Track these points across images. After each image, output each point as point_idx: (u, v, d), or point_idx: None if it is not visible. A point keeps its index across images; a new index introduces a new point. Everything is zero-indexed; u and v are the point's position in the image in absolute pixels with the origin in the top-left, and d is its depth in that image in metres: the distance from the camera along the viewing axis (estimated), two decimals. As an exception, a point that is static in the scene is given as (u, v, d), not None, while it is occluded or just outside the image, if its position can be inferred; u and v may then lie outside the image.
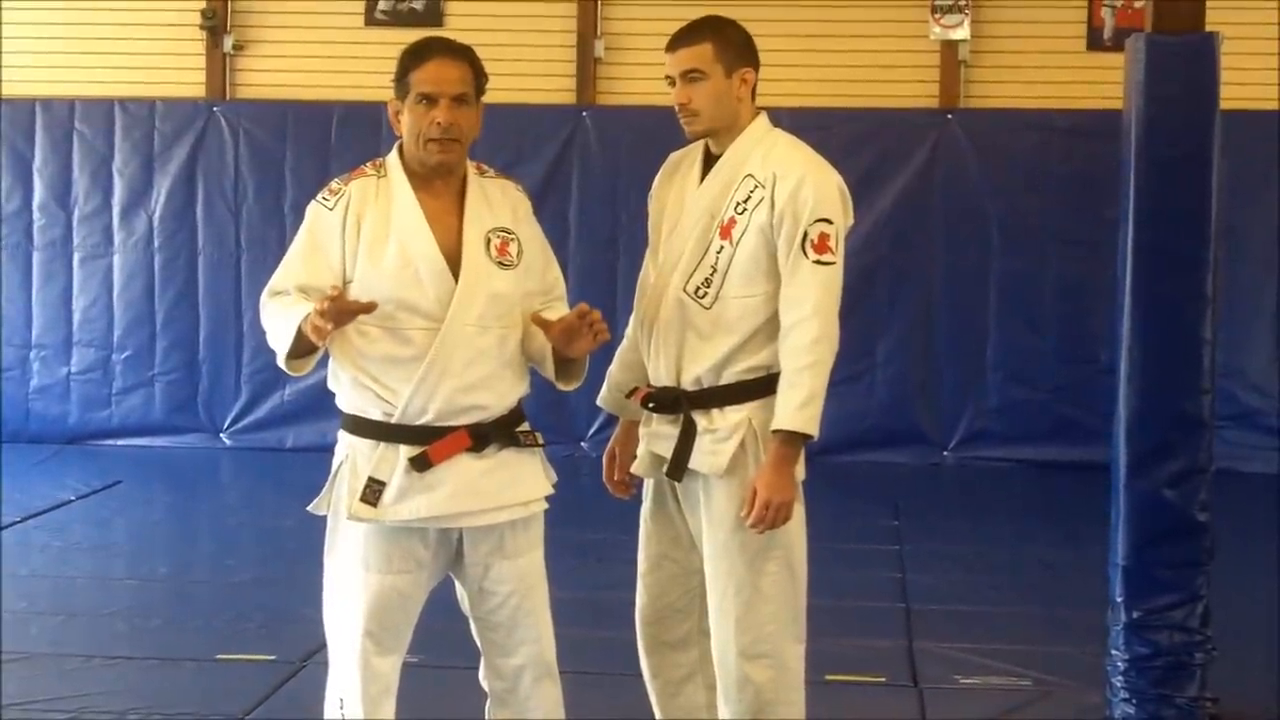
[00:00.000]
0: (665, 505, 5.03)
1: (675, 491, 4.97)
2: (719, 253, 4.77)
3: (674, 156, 5.07)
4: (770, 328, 4.76)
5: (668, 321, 4.84)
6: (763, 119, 4.91)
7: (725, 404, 4.80)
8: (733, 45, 4.84)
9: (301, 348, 4.43)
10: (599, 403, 5.22)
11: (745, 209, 4.76)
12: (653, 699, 5.18)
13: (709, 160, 4.90)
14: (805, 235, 4.70)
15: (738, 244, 4.76)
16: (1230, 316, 10.04)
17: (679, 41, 4.82)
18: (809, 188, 4.73)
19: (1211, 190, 5.77)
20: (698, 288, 4.79)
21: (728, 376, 4.80)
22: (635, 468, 5.03)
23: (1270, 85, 11.42)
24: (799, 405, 4.66)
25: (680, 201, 4.91)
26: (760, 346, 4.78)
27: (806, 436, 4.71)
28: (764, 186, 4.75)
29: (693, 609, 5.05)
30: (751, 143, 4.84)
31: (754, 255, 4.75)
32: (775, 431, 4.70)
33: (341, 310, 4.29)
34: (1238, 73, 10.35)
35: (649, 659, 5.13)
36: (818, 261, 4.71)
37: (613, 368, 5.14)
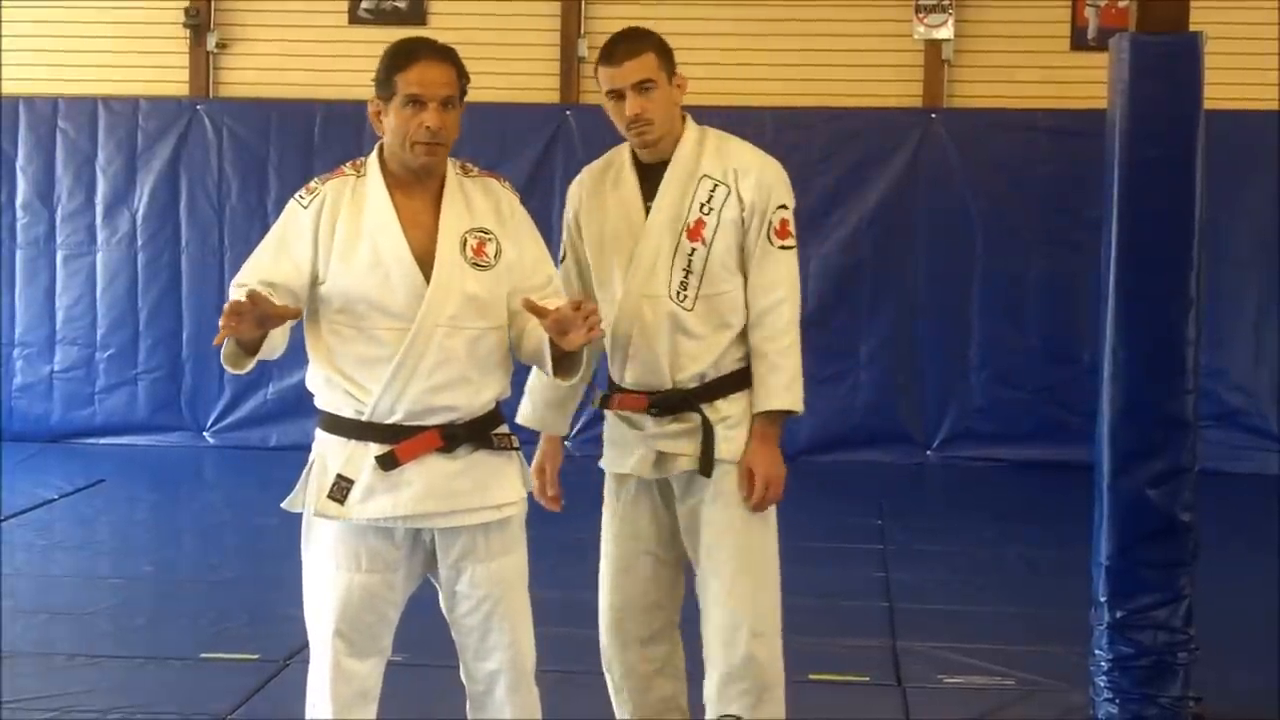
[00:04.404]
0: (645, 503, 5.11)
1: (658, 487, 5.06)
2: (691, 255, 4.90)
3: (594, 169, 5.15)
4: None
5: (652, 329, 4.92)
6: (691, 119, 5.03)
7: (729, 393, 4.95)
8: (667, 51, 4.94)
9: (243, 346, 4.32)
10: (519, 420, 5.19)
11: (711, 208, 4.90)
12: (622, 699, 5.25)
13: (640, 169, 4.99)
14: (769, 223, 4.91)
15: (711, 243, 4.90)
16: (1213, 316, 10.07)
17: (625, 54, 4.85)
18: (768, 178, 4.97)
19: (1195, 190, 5.78)
20: (677, 292, 4.89)
21: (725, 366, 4.95)
22: (635, 469, 5.04)
23: (1265, 85, 11.45)
24: (787, 384, 4.90)
25: (623, 212, 4.99)
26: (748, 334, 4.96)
27: (790, 414, 4.92)
28: (725, 184, 4.92)
29: (667, 603, 5.18)
30: (694, 145, 4.97)
31: (729, 250, 4.92)
32: (764, 412, 4.90)
33: (265, 315, 4.20)
34: (1233, 72, 10.42)
35: (622, 656, 5.19)
36: (783, 247, 4.94)
37: (539, 383, 5.17)
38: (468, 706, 4.72)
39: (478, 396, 4.51)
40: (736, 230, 4.89)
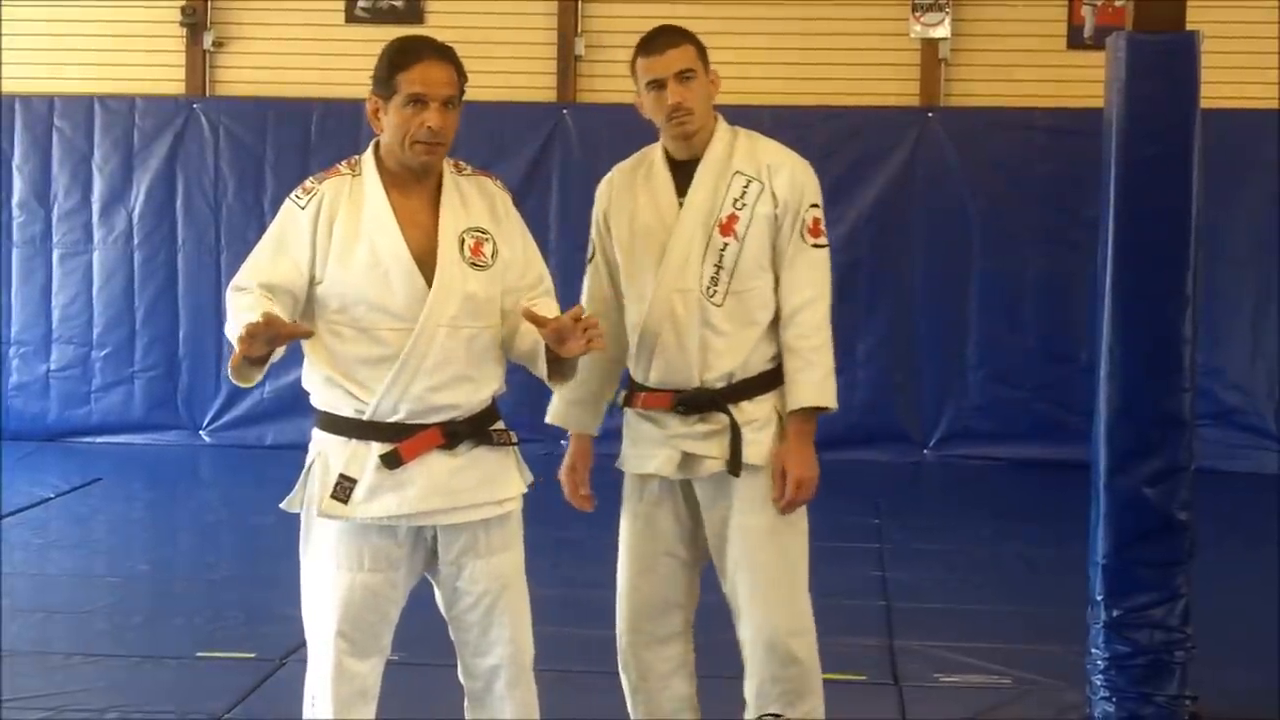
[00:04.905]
0: (668, 504, 5.10)
1: (682, 489, 5.06)
2: (723, 250, 4.90)
3: (624, 167, 5.15)
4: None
5: (683, 324, 4.92)
6: (722, 119, 5.05)
7: (756, 394, 4.95)
8: (703, 48, 4.95)
9: (250, 361, 4.23)
10: (549, 419, 5.22)
11: (744, 204, 4.91)
12: (639, 699, 5.24)
13: (673, 165, 4.99)
14: (802, 221, 4.92)
15: (744, 238, 4.91)
16: (1210, 315, 10.07)
17: (666, 44, 4.88)
18: (800, 176, 4.97)
19: (1192, 189, 5.78)
20: (707, 287, 4.90)
21: (753, 366, 4.96)
22: (659, 469, 5.04)
23: (1263, 84, 11.46)
24: (820, 381, 4.92)
25: (655, 207, 4.99)
26: (777, 333, 4.96)
27: (823, 410, 4.93)
28: (759, 180, 4.92)
29: (685, 603, 5.18)
30: (727, 142, 4.99)
31: (761, 246, 4.92)
32: (798, 410, 4.91)
33: (277, 335, 4.16)
34: (1230, 71, 10.43)
35: (638, 656, 5.19)
36: (816, 245, 4.95)
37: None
38: (466, 705, 4.71)
39: (477, 394, 4.51)
40: (770, 226, 4.90)
